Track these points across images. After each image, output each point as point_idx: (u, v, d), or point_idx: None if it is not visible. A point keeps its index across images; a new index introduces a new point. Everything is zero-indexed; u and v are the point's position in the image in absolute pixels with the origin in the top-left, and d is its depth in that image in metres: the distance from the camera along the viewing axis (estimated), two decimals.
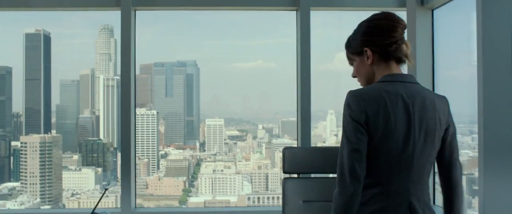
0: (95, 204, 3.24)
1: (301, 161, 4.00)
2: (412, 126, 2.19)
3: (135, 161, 4.54)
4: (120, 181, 4.56)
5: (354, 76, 2.39)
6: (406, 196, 2.18)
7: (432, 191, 5.18)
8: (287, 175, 3.98)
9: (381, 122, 2.15)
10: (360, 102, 2.17)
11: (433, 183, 5.17)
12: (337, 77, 5.68)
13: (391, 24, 2.28)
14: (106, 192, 3.19)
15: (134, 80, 4.65)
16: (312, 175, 4.17)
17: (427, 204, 2.22)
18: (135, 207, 4.66)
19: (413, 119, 2.20)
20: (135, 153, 4.68)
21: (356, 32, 2.35)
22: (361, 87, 2.33)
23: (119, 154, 5.97)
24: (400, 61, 2.29)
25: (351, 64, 2.38)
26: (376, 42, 2.28)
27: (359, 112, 2.16)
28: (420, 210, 2.18)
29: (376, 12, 2.35)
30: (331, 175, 4.24)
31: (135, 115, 4.57)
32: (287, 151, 3.95)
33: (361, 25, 2.34)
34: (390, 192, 2.17)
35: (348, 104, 2.18)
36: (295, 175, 3.99)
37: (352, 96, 2.18)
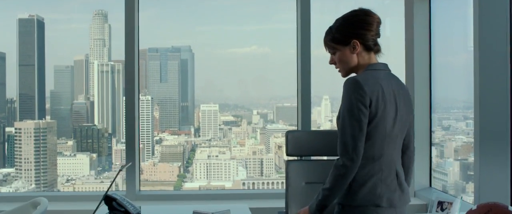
0: (109, 185, 3.32)
1: (304, 144, 4.16)
2: (398, 110, 2.65)
3: (139, 146, 4.75)
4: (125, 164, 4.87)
5: (332, 63, 2.73)
6: (393, 166, 2.65)
7: (429, 175, 5.21)
8: (290, 158, 4.14)
9: (380, 106, 2.55)
10: (366, 89, 2.52)
11: (429, 167, 5.20)
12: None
13: (374, 20, 2.66)
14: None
15: (138, 66, 4.86)
16: (314, 158, 4.31)
17: (402, 171, 2.74)
18: (139, 190, 4.91)
19: (398, 103, 2.65)
20: (139, 138, 4.87)
21: (342, 24, 2.66)
22: (354, 75, 2.66)
23: (113, 140, 5.99)
24: (377, 52, 2.70)
25: (332, 52, 2.70)
26: (363, 35, 2.63)
27: (366, 97, 2.52)
28: (401, 176, 2.69)
29: (355, 8, 2.68)
30: (333, 158, 4.32)
31: (139, 100, 4.76)
32: (290, 134, 4.13)
33: (347, 18, 2.67)
34: (383, 163, 2.60)
35: (355, 89, 2.51)
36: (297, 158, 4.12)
37: (359, 83, 2.52)
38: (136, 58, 4.91)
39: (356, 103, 2.51)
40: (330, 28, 2.70)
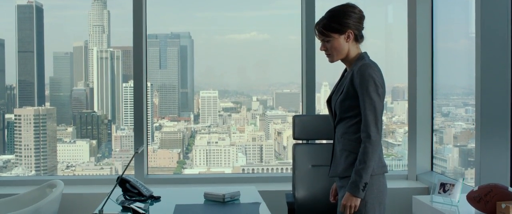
0: (124, 168, 3.38)
1: (310, 128, 4.23)
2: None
3: (147, 131, 4.89)
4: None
5: (324, 50, 3.07)
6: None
7: (430, 160, 5.24)
8: (296, 141, 4.21)
9: (385, 90, 3.01)
10: (380, 73, 2.98)
11: (431, 152, 5.22)
12: None
13: (362, 15, 3.06)
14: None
15: (146, 52, 5.01)
16: (319, 141, 4.40)
17: None
18: (147, 174, 5.05)
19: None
20: (147, 124, 5.02)
21: (339, 15, 3.01)
22: (367, 60, 3.03)
23: (113, 126, 5.99)
24: (361, 42, 3.09)
25: (326, 40, 3.03)
26: (357, 27, 3.03)
27: (382, 79, 2.98)
28: None
29: (345, 3, 3.07)
30: None
31: (146, 86, 4.92)
32: (297, 118, 4.29)
33: (343, 10, 3.02)
34: (381, 137, 3.00)
35: (376, 73, 2.95)
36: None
37: (377, 67, 2.99)
38: (144, 44, 5.11)
39: (380, 84, 2.94)
40: (326, 17, 3.05)
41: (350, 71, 3.01)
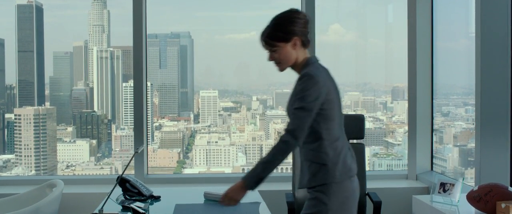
0: (124, 168, 3.40)
1: None
2: (338, 94, 2.96)
3: (146, 131, 4.91)
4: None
5: (272, 60, 2.98)
6: (347, 141, 3.02)
7: (430, 159, 5.24)
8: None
9: (332, 94, 2.86)
10: (321, 82, 2.80)
11: (431, 152, 5.22)
12: (331, 49, 5.68)
13: (307, 20, 2.98)
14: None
15: (146, 52, 5.04)
16: None
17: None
18: (147, 173, 5.06)
19: (337, 88, 2.96)
20: (147, 124, 5.03)
21: (284, 23, 2.91)
22: (310, 67, 2.90)
23: (113, 126, 5.99)
24: (308, 47, 2.99)
25: (273, 50, 2.93)
26: (302, 32, 2.93)
27: (322, 89, 2.79)
28: (351, 148, 3.05)
29: (289, 9, 2.96)
30: None
31: (146, 86, 4.94)
32: None
33: (287, 18, 2.92)
34: (343, 141, 2.95)
35: (313, 83, 2.78)
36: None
37: (316, 77, 2.80)
38: (144, 44, 5.14)
39: (312, 90, 2.79)
40: (270, 26, 2.94)
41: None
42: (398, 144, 5.93)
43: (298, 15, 2.95)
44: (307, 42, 2.98)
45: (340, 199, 2.89)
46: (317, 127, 2.86)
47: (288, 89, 6.32)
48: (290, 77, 6.04)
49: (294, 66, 2.99)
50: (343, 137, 2.98)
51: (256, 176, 2.87)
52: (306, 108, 2.78)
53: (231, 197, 2.92)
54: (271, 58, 2.98)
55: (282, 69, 3.02)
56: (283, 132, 2.83)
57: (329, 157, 2.89)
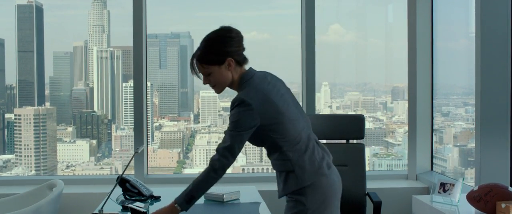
0: (124, 168, 3.45)
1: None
2: (287, 94, 2.93)
3: (146, 131, 4.92)
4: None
5: (207, 83, 2.86)
6: (311, 137, 2.94)
7: (430, 159, 5.25)
8: None
9: (271, 107, 2.77)
10: (253, 105, 2.72)
11: (431, 151, 5.23)
12: (331, 49, 5.68)
13: (240, 36, 2.86)
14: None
15: (146, 52, 5.05)
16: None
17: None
18: (147, 173, 5.07)
19: (281, 88, 2.92)
20: (147, 124, 5.04)
21: (214, 45, 2.80)
22: (243, 87, 2.82)
23: (113, 126, 5.99)
24: (246, 63, 2.87)
25: (207, 73, 2.81)
26: (235, 52, 2.81)
27: (254, 112, 2.72)
28: (319, 141, 3.01)
29: (219, 28, 2.85)
30: (337, 141, 4.40)
31: (146, 86, 4.95)
32: None
33: (216, 39, 2.81)
34: (303, 142, 2.84)
35: (244, 107, 2.71)
36: None
37: (246, 101, 2.72)
38: (144, 44, 5.15)
39: (244, 118, 2.72)
40: (201, 49, 2.82)
41: None
42: (398, 144, 5.93)
43: (230, 34, 2.84)
44: (243, 60, 2.88)
45: (318, 198, 2.83)
46: (271, 139, 2.81)
47: None
48: (290, 77, 6.03)
49: (231, 85, 2.90)
50: (306, 135, 2.90)
51: (187, 194, 2.82)
52: (238, 134, 2.74)
53: None
54: (206, 81, 2.87)
55: (219, 91, 2.93)
56: (215, 152, 2.80)
57: (293, 162, 2.81)
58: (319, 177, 2.84)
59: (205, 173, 2.80)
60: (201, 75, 2.88)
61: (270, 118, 2.77)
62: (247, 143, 2.85)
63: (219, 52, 2.80)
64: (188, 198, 2.81)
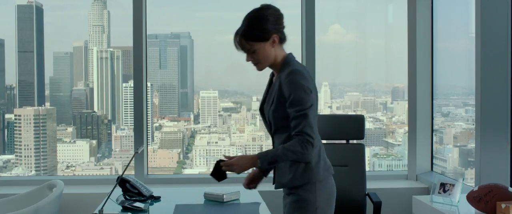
0: (124, 168, 3.44)
1: None
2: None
3: (147, 131, 4.92)
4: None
5: (250, 60, 2.89)
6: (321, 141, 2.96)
7: (430, 160, 5.24)
8: None
9: (316, 93, 2.84)
10: (310, 78, 2.82)
11: (431, 152, 5.22)
12: (331, 49, 5.68)
13: (282, 14, 2.88)
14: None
15: (146, 53, 5.05)
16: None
17: None
18: (147, 174, 5.08)
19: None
20: (147, 124, 5.04)
21: (260, 22, 2.81)
22: (292, 64, 2.84)
23: (113, 126, 5.99)
24: (286, 41, 2.91)
25: (251, 50, 2.84)
26: (280, 29, 2.86)
27: (314, 86, 2.83)
28: None
29: (261, 6, 2.87)
30: (337, 141, 4.39)
31: (146, 86, 4.95)
32: None
33: (263, 16, 2.82)
34: (320, 139, 2.92)
35: (306, 79, 2.77)
36: None
37: (305, 74, 2.79)
38: (144, 44, 5.16)
39: (312, 90, 2.78)
40: (246, 26, 2.84)
41: (278, 79, 2.88)
42: (398, 144, 5.93)
43: (272, 11, 2.86)
44: (284, 37, 2.91)
45: (325, 197, 2.88)
46: None
47: None
48: None
49: (272, 65, 2.93)
50: (319, 135, 2.92)
51: (272, 156, 2.80)
52: (312, 105, 2.77)
53: (237, 163, 2.84)
54: (250, 58, 2.90)
55: (261, 68, 2.94)
56: (300, 134, 2.75)
57: (311, 155, 2.83)
58: (329, 175, 2.92)
59: (297, 145, 2.75)
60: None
61: (313, 100, 2.81)
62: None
63: (264, 29, 2.82)
64: (271, 160, 2.80)
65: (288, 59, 2.89)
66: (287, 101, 2.77)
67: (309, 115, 2.75)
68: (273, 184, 3.03)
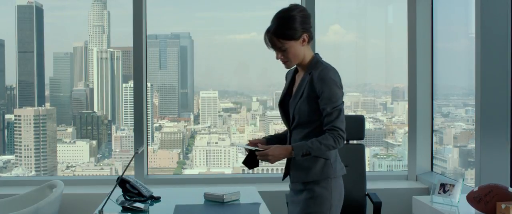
0: (124, 169, 3.44)
1: None
2: None
3: (147, 132, 4.92)
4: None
5: (280, 58, 2.94)
6: None
7: (430, 160, 5.24)
8: None
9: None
10: (340, 77, 2.90)
11: (431, 152, 5.22)
12: (331, 49, 5.68)
13: (309, 14, 2.99)
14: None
15: (146, 53, 5.06)
16: None
17: None
18: (147, 174, 5.08)
19: None
20: (147, 124, 5.05)
21: (292, 21, 2.88)
22: (324, 63, 2.95)
23: (113, 127, 5.99)
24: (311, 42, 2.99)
25: (280, 49, 2.89)
26: (308, 28, 2.95)
27: (342, 85, 2.91)
28: None
29: (290, 5, 2.95)
30: None
31: (146, 87, 4.95)
32: None
33: (292, 16, 2.90)
34: None
35: (338, 77, 2.88)
36: None
37: (337, 72, 2.90)
38: (144, 45, 5.16)
39: (341, 88, 2.90)
40: (277, 24, 2.90)
41: (307, 75, 2.93)
42: (398, 145, 5.93)
43: (303, 12, 2.96)
44: (312, 37, 3.00)
45: (338, 194, 2.99)
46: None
47: None
48: None
49: (300, 63, 2.99)
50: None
51: (308, 148, 2.85)
52: (343, 102, 2.90)
53: (272, 153, 2.87)
54: (280, 57, 2.95)
55: (289, 66, 3.01)
56: (334, 129, 2.85)
57: (330, 152, 2.94)
58: (342, 174, 3.02)
59: (330, 139, 2.85)
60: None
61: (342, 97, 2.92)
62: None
63: (295, 28, 2.90)
64: (306, 152, 2.86)
65: (318, 58, 2.98)
66: (320, 97, 2.86)
67: (342, 111, 2.87)
68: (283, 178, 3.15)
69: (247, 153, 2.98)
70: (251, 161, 2.98)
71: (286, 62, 2.97)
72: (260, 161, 2.95)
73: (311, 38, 2.97)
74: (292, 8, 2.94)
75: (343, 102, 2.89)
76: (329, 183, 2.94)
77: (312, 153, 2.85)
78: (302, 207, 2.98)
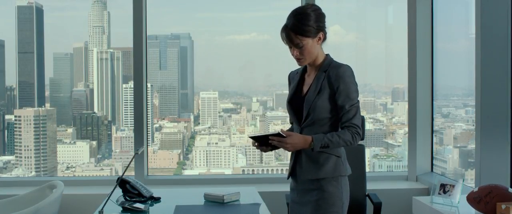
0: (124, 169, 3.48)
1: None
2: None
3: (147, 132, 4.92)
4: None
5: (296, 55, 2.95)
6: None
7: (430, 160, 5.24)
8: None
9: None
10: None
11: (431, 153, 5.22)
12: (331, 50, 5.67)
13: (324, 13, 3.00)
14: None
15: (146, 54, 5.06)
16: None
17: None
18: (147, 174, 5.08)
19: None
20: (147, 125, 5.05)
21: (309, 19, 2.91)
22: (338, 62, 3.00)
23: (113, 127, 5.99)
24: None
25: (297, 45, 2.91)
26: (325, 27, 2.99)
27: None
28: None
29: (307, 3, 3.04)
30: None
31: (146, 87, 4.96)
32: None
33: (310, 14, 2.92)
34: None
35: (353, 76, 2.94)
36: None
37: (352, 71, 2.95)
38: (144, 45, 5.17)
39: (357, 87, 2.97)
40: (296, 21, 2.92)
41: (322, 73, 2.97)
42: (398, 145, 5.93)
43: (318, 10, 2.99)
44: (326, 37, 3.03)
45: (346, 193, 3.07)
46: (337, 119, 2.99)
47: (288, 91, 6.32)
48: None
49: (312, 62, 3.03)
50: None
51: (327, 141, 2.89)
52: (358, 100, 2.98)
53: (291, 142, 2.86)
54: (296, 53, 2.97)
55: (302, 64, 3.04)
56: (352, 125, 2.93)
57: (341, 150, 3.03)
58: (349, 173, 3.09)
59: (348, 135, 2.92)
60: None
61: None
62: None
63: (314, 26, 2.93)
64: (325, 144, 2.89)
65: (330, 58, 3.04)
66: (337, 94, 2.92)
67: (359, 108, 2.95)
68: (288, 176, 3.20)
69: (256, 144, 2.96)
70: (264, 143, 2.94)
71: (300, 60, 2.99)
72: (270, 148, 2.94)
73: (325, 37, 3.01)
74: (308, 6, 2.98)
75: (359, 100, 2.95)
76: (340, 181, 3.01)
77: (330, 146, 2.90)
78: (314, 207, 3.00)
